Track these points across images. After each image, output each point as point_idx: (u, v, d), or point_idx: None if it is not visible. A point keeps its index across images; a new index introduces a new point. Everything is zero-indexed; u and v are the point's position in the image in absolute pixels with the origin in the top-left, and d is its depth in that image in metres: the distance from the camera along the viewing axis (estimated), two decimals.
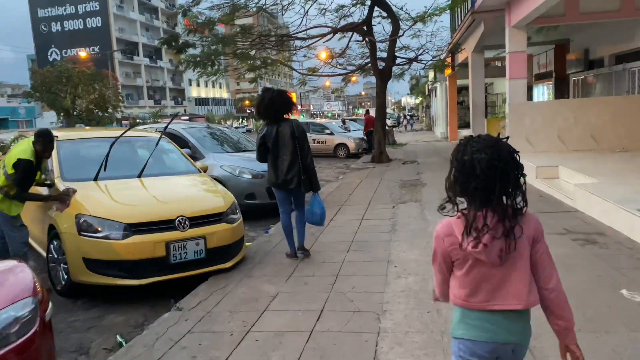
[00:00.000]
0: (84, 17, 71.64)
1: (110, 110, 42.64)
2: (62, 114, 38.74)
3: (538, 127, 10.54)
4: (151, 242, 4.19)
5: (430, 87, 39.15)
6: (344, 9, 16.38)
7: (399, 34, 14.78)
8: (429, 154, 18.32)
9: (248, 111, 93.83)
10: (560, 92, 18.38)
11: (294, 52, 17.84)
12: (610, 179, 6.76)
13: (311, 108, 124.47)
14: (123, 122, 45.65)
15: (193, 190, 5.13)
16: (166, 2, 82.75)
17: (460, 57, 19.67)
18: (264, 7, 14.20)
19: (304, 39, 16.35)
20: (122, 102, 51.27)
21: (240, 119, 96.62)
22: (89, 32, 69.55)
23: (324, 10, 16.28)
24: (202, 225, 4.50)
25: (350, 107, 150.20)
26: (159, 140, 5.30)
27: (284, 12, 14.30)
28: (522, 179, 1.62)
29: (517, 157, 1.63)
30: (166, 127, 5.66)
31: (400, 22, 15.69)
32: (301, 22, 15.60)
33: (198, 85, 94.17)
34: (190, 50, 15.24)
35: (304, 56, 18.01)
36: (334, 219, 6.89)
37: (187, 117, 75.96)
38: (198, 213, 4.53)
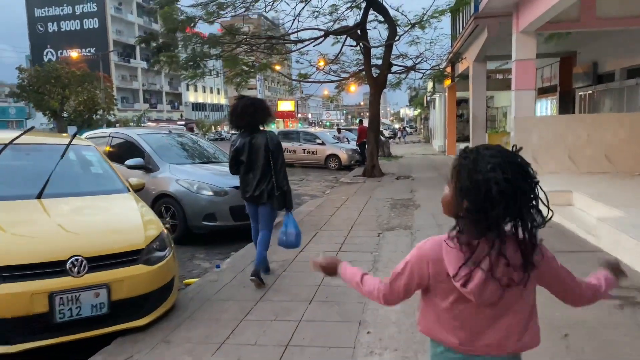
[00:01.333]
0: (81, 18, 70.76)
1: (100, 112, 41.51)
2: (49, 115, 37.53)
3: (546, 145, 9.40)
4: (27, 293, 3.00)
5: (428, 98, 38.13)
6: (337, 11, 15.32)
7: (395, 39, 13.69)
8: (425, 168, 17.17)
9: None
10: (565, 107, 17.33)
11: (285, 56, 16.73)
12: (638, 211, 5.61)
13: (310, 117, 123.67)
14: (116, 125, 44.50)
15: (104, 218, 3.91)
16: None
17: (460, 67, 18.59)
18: (250, 4, 13.07)
19: (294, 42, 15.25)
20: (115, 105, 50.15)
21: None
22: (85, 34, 68.62)
23: (316, 13, 15.21)
24: (107, 267, 3.30)
25: (349, 116, 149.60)
26: (67, 148, 4.03)
27: (267, 11, 13.18)
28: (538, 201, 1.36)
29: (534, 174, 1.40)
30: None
31: (397, 27, 14.63)
32: (292, 25, 14.52)
33: (195, 90, 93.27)
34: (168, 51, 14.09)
35: (297, 61, 16.79)
36: (305, 249, 5.71)
37: (182, 123, 75.03)
38: (102, 251, 3.33)
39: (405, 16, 13.84)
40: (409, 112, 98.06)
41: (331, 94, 35.24)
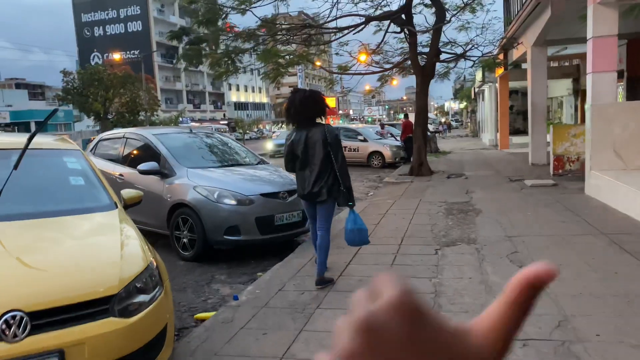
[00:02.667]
0: (125, 21, 72.21)
1: (142, 113, 41.76)
2: (92, 117, 38.00)
3: (632, 137, 7.91)
4: None
5: (476, 90, 36.10)
6: None
7: (445, 22, 12.34)
8: (478, 165, 15.70)
9: None
10: (634, 94, 15.46)
11: (323, 48, 15.65)
12: None
13: (351, 113, 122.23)
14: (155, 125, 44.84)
15: (67, 251, 2.91)
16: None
17: (515, 54, 16.94)
18: None
19: (333, 31, 14.13)
20: (159, 106, 50.58)
21: (280, 124, 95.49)
22: (129, 36, 69.94)
23: (357, 0, 14.03)
24: (60, 325, 2.32)
25: (392, 112, 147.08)
26: (22, 154, 3.01)
27: None
28: None
29: None
30: (32, 137, 2.98)
31: (446, 11, 13.27)
32: (330, 13, 13.40)
33: (237, 89, 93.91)
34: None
35: (336, 54, 15.67)
36: (345, 273, 4.62)
37: (225, 122, 75.39)
38: (53, 302, 2.35)
39: None
40: (454, 105, 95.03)
41: (373, 88, 33.80)
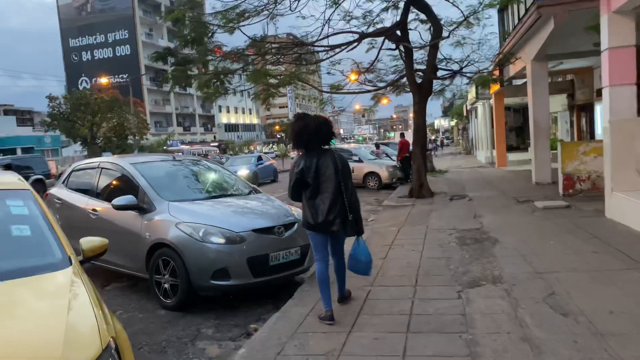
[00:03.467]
0: (114, 46, 71.90)
1: (131, 137, 40.96)
2: (80, 142, 37.15)
3: None
4: None
5: (469, 107, 35.79)
6: (372, 14, 13.59)
7: (443, 37, 11.81)
8: (480, 184, 15.07)
9: (278, 136, 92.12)
10: None
11: (315, 67, 15.07)
12: None
13: (342, 132, 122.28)
14: (136, 150, 43.83)
15: None
16: None
17: (512, 69, 16.48)
18: (274, 8, 11.45)
19: (325, 49, 13.55)
20: (148, 130, 49.81)
21: (270, 144, 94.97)
22: (118, 60, 69.51)
23: (348, 17, 13.51)
24: None
25: (382, 130, 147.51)
26: None
27: (293, 9, 11.48)
28: None
29: None
30: None
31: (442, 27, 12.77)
32: (321, 31, 12.82)
33: (228, 111, 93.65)
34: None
35: (328, 73, 15.10)
36: (356, 325, 3.87)
37: (216, 144, 74.66)
38: None
39: (457, 7, 11.83)
40: (444, 123, 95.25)
41: (364, 107, 33.27)
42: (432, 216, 9.40)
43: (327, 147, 4.23)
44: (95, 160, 6.36)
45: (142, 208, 5.23)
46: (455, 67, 14.53)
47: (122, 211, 5.28)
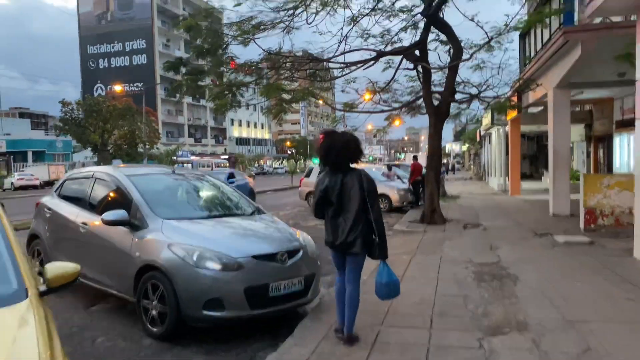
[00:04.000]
0: (131, 54, 72.63)
1: (141, 146, 40.91)
2: (90, 148, 37.09)
3: None
4: None
5: (482, 132, 35.29)
6: (390, 33, 13.26)
7: (464, 59, 11.41)
8: (494, 213, 14.52)
9: (289, 152, 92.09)
10: None
11: (329, 84, 14.72)
12: None
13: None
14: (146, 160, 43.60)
15: None
16: None
17: (532, 96, 16.04)
18: (290, 21, 11.14)
19: (341, 66, 13.21)
20: (159, 139, 49.87)
21: (281, 160, 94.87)
22: (134, 69, 70.11)
23: (366, 35, 13.20)
24: None
25: (392, 151, 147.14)
26: None
27: (309, 23, 11.11)
28: None
29: None
30: None
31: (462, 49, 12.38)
32: (338, 47, 12.48)
33: (240, 125, 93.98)
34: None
35: (342, 91, 14.75)
36: None
37: (226, 157, 74.60)
38: None
39: (482, 27, 11.40)
40: (455, 147, 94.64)
41: (376, 128, 32.86)
42: (445, 245, 8.87)
43: (354, 165, 4.12)
44: (90, 170, 5.94)
45: (134, 224, 4.79)
46: (474, 90, 14.13)
47: (113, 226, 4.85)
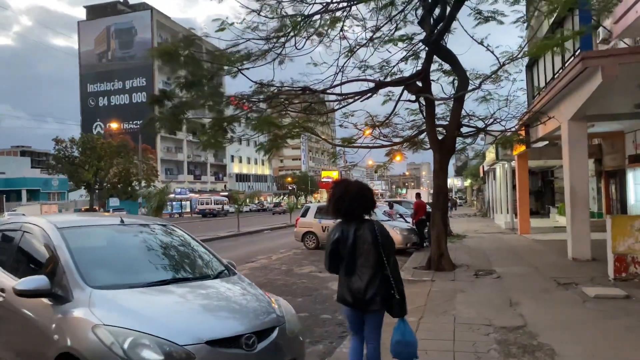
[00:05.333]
0: (130, 92, 72.82)
1: (136, 184, 39.94)
2: (83, 187, 36.07)
3: None
4: None
5: (486, 168, 34.27)
6: (389, 64, 12.40)
7: (471, 89, 10.46)
8: (506, 256, 13.28)
9: (289, 188, 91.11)
10: None
11: (326, 117, 13.77)
12: None
13: None
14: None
15: None
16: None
17: (542, 130, 15.05)
18: (281, 50, 10.23)
19: (337, 99, 12.26)
20: (156, 176, 48.94)
21: (282, 196, 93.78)
22: (133, 107, 70.06)
23: (364, 67, 12.34)
24: None
25: (394, 186, 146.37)
26: None
27: (299, 49, 10.16)
28: None
29: None
30: None
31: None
32: (335, 78, 11.57)
33: (240, 161, 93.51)
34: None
35: (340, 125, 13.82)
36: None
37: (226, 194, 73.52)
38: None
39: (492, 52, 10.42)
40: (457, 182, 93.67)
41: (376, 164, 31.81)
42: (457, 300, 7.65)
43: (367, 216, 3.93)
44: (19, 221, 4.80)
45: (57, 296, 3.63)
46: (479, 124, 13.17)
47: (30, 299, 3.68)
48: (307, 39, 9.87)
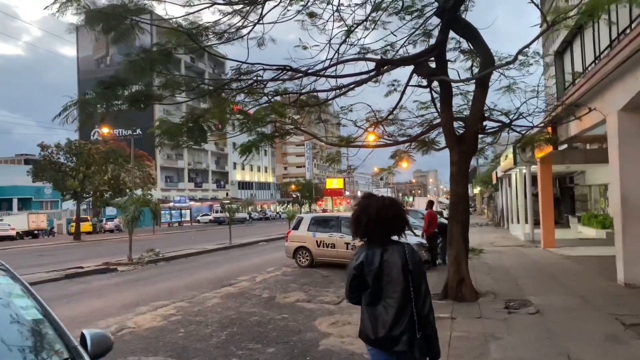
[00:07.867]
0: None
1: (128, 192, 37.80)
2: (69, 195, 33.93)
3: None
4: None
5: (500, 174, 31.82)
6: (394, 48, 10.16)
7: (495, 67, 8.15)
8: (536, 277, 10.92)
9: (293, 196, 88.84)
10: None
11: (318, 110, 11.48)
12: None
13: (359, 194, 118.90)
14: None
15: None
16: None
17: (575, 127, 12.70)
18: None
19: (333, 89, 9.97)
20: (153, 184, 46.82)
21: (285, 204, 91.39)
22: (131, 114, 67.97)
23: (364, 52, 10.09)
24: None
25: (400, 194, 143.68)
26: None
27: (262, 17, 7.85)
28: None
29: None
30: None
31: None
32: (327, 56, 9.29)
33: (242, 168, 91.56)
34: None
35: (338, 123, 11.56)
36: None
37: (227, 202, 71.45)
38: None
39: (537, 6, 7.94)
40: None
41: (381, 168, 29.34)
42: (492, 355, 5.30)
43: (396, 238, 3.24)
44: None
45: None
46: (503, 119, 10.88)
47: None
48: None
